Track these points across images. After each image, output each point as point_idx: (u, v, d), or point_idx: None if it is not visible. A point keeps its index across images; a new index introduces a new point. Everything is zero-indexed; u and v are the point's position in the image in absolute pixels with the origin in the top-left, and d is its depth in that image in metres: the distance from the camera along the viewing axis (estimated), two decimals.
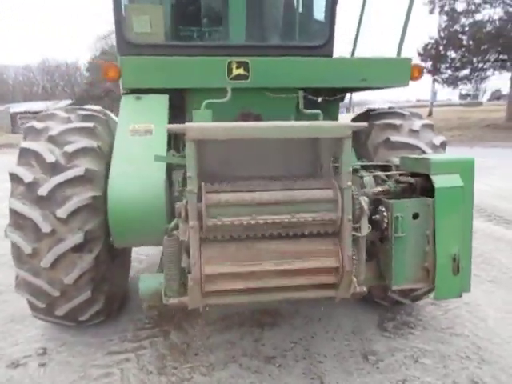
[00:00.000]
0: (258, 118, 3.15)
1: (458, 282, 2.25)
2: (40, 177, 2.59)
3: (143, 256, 4.69)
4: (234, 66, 2.85)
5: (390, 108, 3.47)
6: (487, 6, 22.32)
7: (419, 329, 3.17)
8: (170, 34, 3.03)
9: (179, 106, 3.03)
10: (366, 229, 2.01)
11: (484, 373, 2.64)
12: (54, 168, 2.62)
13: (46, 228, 2.51)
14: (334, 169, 2.08)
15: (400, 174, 2.41)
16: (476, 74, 25.18)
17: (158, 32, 2.88)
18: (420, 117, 3.30)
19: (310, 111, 3.05)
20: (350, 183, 1.94)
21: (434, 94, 39.11)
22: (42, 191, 2.53)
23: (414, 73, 3.10)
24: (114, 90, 24.71)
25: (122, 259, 3.42)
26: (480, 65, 24.09)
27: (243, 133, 1.92)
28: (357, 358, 2.83)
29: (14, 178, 2.62)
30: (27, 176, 2.58)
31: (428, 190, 2.26)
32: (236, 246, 1.96)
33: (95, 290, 2.77)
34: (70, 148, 2.68)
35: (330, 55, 2.99)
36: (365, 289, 2.11)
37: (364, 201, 1.99)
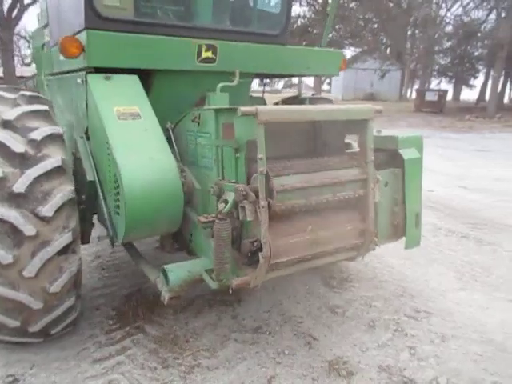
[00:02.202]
0: None
1: (419, 233, 2.86)
2: (9, 171, 2.17)
3: None
4: (204, 49, 2.84)
5: (313, 94, 3.93)
6: None
7: (356, 282, 3.78)
8: (139, 10, 2.79)
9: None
10: (378, 196, 2.40)
11: (418, 304, 3.38)
12: (23, 159, 2.22)
13: (29, 230, 2.14)
14: (345, 146, 2.40)
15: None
16: None
17: (127, 7, 2.64)
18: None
19: (256, 95, 3.26)
20: (372, 158, 2.29)
21: None
22: (19, 187, 2.14)
23: (343, 64, 3.60)
24: None
25: None
26: None
27: (304, 115, 2.06)
28: (326, 312, 3.25)
29: None
30: None
31: (392, 161, 2.77)
32: (294, 220, 2.11)
33: (77, 295, 2.48)
34: (36, 135, 2.31)
35: (285, 44, 3.23)
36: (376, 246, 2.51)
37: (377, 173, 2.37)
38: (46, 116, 2.51)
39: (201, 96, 3.13)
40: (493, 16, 29.20)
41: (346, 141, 3.01)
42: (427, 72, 41.08)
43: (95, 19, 2.51)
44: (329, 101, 3.78)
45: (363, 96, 39.13)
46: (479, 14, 29.37)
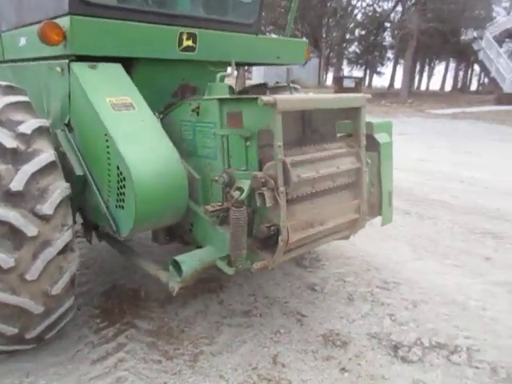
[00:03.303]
0: (194, 90, 3.17)
1: (392, 211, 3.13)
2: (3, 168, 2.01)
3: None
4: (185, 37, 2.81)
5: (277, 82, 4.04)
6: None
7: (325, 260, 4.02)
8: None
9: None
10: (367, 177, 2.61)
11: (385, 276, 3.71)
12: (15, 155, 2.07)
13: (30, 231, 2.02)
14: (335, 132, 2.56)
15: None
16: None
17: None
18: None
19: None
20: (365, 142, 2.47)
21: None
22: (16, 185, 2.01)
23: (307, 53, 3.75)
24: None
25: None
26: None
27: (315, 104, 2.18)
28: (307, 290, 3.43)
29: None
30: None
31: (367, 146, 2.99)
32: (303, 203, 2.22)
33: (75, 295, 2.39)
34: (25, 129, 2.16)
35: (258, 34, 3.29)
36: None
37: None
38: (27, 108, 2.34)
39: (179, 85, 3.10)
40: (400, 8, 31.50)
41: None
42: (340, 60, 43.21)
43: (79, 4, 2.36)
44: (295, 89, 3.90)
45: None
46: (388, 4, 31.39)
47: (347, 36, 37.51)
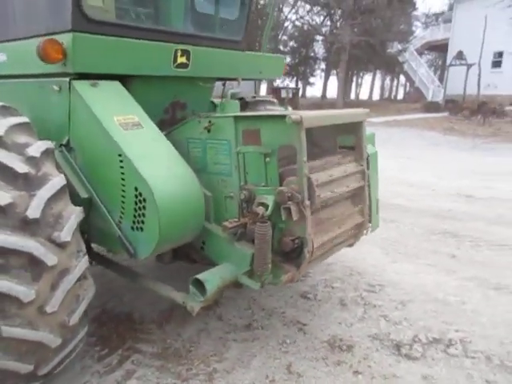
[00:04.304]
0: (184, 107, 3.17)
1: (378, 218, 3.33)
2: (16, 195, 1.89)
3: None
4: (179, 54, 2.81)
5: (253, 97, 4.13)
6: None
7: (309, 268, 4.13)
8: (119, 12, 2.57)
9: None
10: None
11: (368, 279, 3.89)
12: (27, 180, 1.96)
13: (51, 259, 1.92)
14: (336, 146, 2.69)
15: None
16: None
17: (109, 8, 2.43)
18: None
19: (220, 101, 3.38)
20: (367, 154, 2.62)
21: None
22: (33, 213, 1.90)
23: (284, 68, 3.88)
24: None
25: None
26: None
27: (333, 120, 2.34)
28: (300, 299, 3.52)
29: None
30: (1, 196, 1.83)
31: None
32: (322, 213, 2.31)
33: (86, 324, 2.28)
34: (34, 152, 2.06)
35: (244, 50, 3.35)
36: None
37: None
38: (29, 129, 2.22)
39: (171, 102, 3.08)
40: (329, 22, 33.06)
41: None
42: None
43: (82, 21, 2.28)
44: (271, 102, 4.01)
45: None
46: (320, 18, 32.82)
47: (280, 48, 38.58)
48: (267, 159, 2.24)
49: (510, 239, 5.00)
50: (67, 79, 2.35)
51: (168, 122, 3.03)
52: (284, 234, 2.24)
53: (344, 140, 2.82)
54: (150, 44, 2.62)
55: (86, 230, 2.52)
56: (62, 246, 1.97)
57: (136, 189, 2.15)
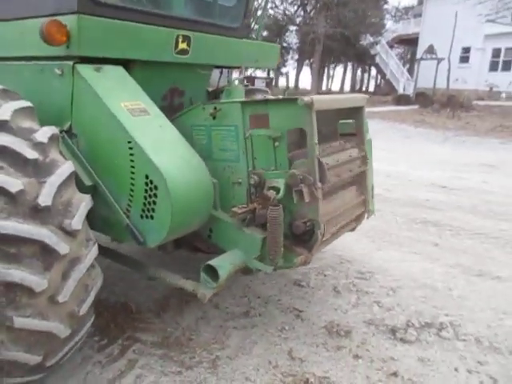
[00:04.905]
0: (182, 94, 3.13)
1: (374, 203, 3.41)
2: (26, 181, 1.83)
3: None
4: (180, 40, 2.76)
5: (246, 85, 4.11)
6: None
7: None
8: None
9: None
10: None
11: (358, 267, 3.99)
12: (36, 167, 1.90)
13: (63, 248, 1.87)
14: (337, 132, 2.75)
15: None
16: None
17: None
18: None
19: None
20: (368, 138, 2.69)
21: None
22: (45, 200, 1.85)
23: (279, 57, 3.88)
24: None
25: None
26: None
27: (340, 103, 2.44)
28: (294, 287, 3.57)
29: None
30: (12, 183, 1.77)
31: None
32: (331, 197, 2.36)
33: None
34: (41, 137, 1.99)
35: (242, 38, 3.32)
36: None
37: None
38: (32, 114, 2.14)
39: (169, 88, 3.03)
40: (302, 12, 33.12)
41: None
42: None
43: (88, 2, 2.20)
44: (264, 91, 4.00)
45: None
46: (294, 8, 32.83)
47: (253, 36, 38.40)
48: (276, 143, 2.27)
49: (486, 228, 5.23)
50: (71, 63, 2.27)
51: (166, 109, 2.98)
52: (295, 217, 2.27)
53: (342, 127, 2.88)
54: (153, 28, 2.57)
55: (88, 218, 2.46)
56: (72, 234, 1.93)
57: (147, 176, 2.12)
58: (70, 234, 1.92)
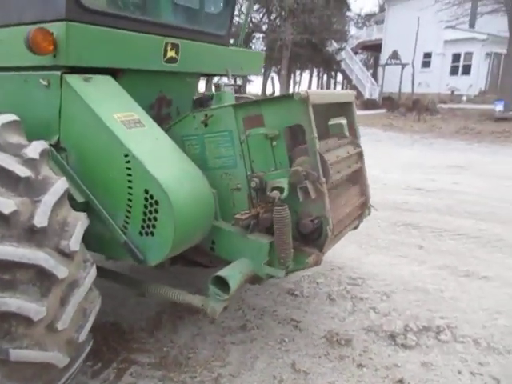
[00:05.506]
0: (169, 103, 3.03)
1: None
2: (18, 201, 1.70)
3: None
4: (169, 48, 2.68)
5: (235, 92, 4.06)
6: None
7: None
8: (112, 1, 2.37)
9: None
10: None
11: (349, 273, 3.98)
12: (29, 185, 1.77)
13: (62, 271, 1.74)
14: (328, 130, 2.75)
15: None
16: None
17: None
18: None
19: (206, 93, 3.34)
20: (360, 135, 2.70)
21: None
22: (41, 220, 1.72)
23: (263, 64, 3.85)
24: None
25: None
26: None
27: (334, 98, 2.49)
28: (288, 296, 3.52)
29: None
30: (4, 204, 1.63)
31: None
32: (334, 194, 2.35)
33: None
34: (32, 153, 1.86)
35: (228, 45, 3.26)
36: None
37: None
38: (19, 128, 2.00)
39: (156, 97, 2.93)
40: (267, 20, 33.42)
41: None
42: None
43: (77, 9, 2.08)
44: (249, 99, 3.95)
45: None
46: (260, 15, 33.05)
47: None
48: (274, 143, 2.23)
49: (465, 228, 5.36)
50: (58, 73, 2.14)
51: (154, 119, 2.88)
52: (301, 216, 2.22)
53: (331, 129, 2.87)
54: (143, 36, 2.47)
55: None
56: (70, 255, 1.80)
57: (146, 191, 2.01)
58: (67, 255, 1.79)
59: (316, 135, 2.12)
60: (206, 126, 2.41)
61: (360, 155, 2.75)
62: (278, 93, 30.59)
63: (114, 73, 2.44)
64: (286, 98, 2.16)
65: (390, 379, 2.53)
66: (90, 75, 2.22)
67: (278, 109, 2.20)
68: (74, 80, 2.14)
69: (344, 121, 2.74)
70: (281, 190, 2.14)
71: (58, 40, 2.06)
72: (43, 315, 1.67)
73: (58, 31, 2.05)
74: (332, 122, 2.73)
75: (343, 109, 2.68)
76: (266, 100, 2.30)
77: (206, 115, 2.41)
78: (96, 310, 2.01)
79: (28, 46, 2.00)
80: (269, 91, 41.82)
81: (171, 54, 2.70)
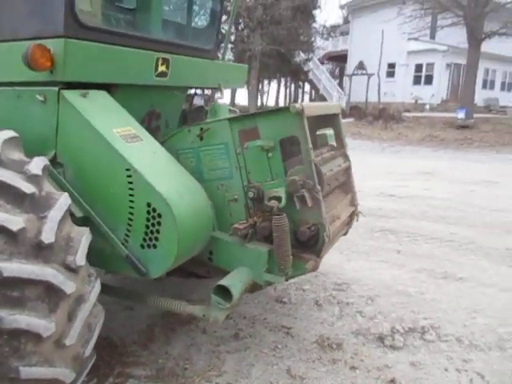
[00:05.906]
0: (158, 117, 3.07)
1: None
2: (25, 218, 1.70)
3: None
4: (160, 63, 2.73)
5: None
6: None
7: None
8: (105, 18, 2.38)
9: None
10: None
11: (334, 279, 4.10)
12: (34, 201, 1.78)
13: (69, 287, 1.75)
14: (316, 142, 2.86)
15: None
16: None
17: (97, 13, 2.26)
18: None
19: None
20: (347, 144, 2.83)
21: None
22: (49, 236, 1.73)
23: (247, 77, 3.94)
24: None
25: None
26: None
27: (325, 110, 2.62)
28: (277, 304, 3.59)
29: None
30: (12, 221, 1.63)
31: None
32: (326, 202, 2.43)
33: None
34: (35, 169, 1.87)
35: (215, 59, 3.34)
36: None
37: None
38: (18, 144, 1.99)
39: (148, 111, 2.96)
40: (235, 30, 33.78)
41: None
42: None
43: (75, 26, 2.11)
44: (234, 111, 4.03)
45: None
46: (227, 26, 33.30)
47: None
48: (269, 154, 2.31)
49: (439, 232, 5.60)
50: (55, 88, 2.15)
51: None
52: (298, 224, 2.30)
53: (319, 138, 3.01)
54: (136, 51, 2.51)
55: None
56: (76, 271, 1.81)
57: (149, 204, 2.05)
58: (73, 270, 1.80)
59: (311, 146, 2.22)
60: (201, 139, 2.47)
61: (349, 165, 2.88)
62: (247, 103, 30.85)
63: (108, 88, 2.47)
64: (281, 111, 2.26)
65: (383, 380, 2.63)
66: (86, 91, 2.24)
67: (273, 121, 2.29)
68: (71, 95, 2.15)
69: (331, 131, 2.88)
70: (278, 199, 2.22)
71: (56, 56, 2.08)
72: (52, 331, 1.68)
73: (55, 47, 2.07)
74: (319, 132, 2.86)
75: (330, 120, 2.81)
76: (261, 113, 2.39)
77: (201, 129, 2.47)
78: (100, 324, 2.02)
79: (26, 61, 2.00)
80: (238, 101, 42.11)
81: (162, 68, 2.75)
